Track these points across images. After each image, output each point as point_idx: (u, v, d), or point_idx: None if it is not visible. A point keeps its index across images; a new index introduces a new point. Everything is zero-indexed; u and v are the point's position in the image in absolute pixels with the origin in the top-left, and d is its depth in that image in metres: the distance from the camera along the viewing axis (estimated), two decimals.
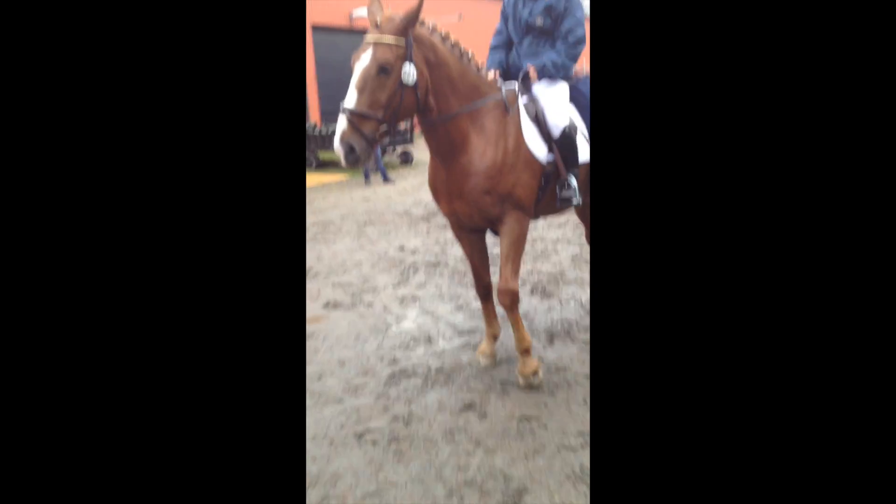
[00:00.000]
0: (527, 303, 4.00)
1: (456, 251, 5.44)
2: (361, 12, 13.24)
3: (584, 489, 2.07)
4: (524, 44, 3.01)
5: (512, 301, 2.77)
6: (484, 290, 3.09)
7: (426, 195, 8.70)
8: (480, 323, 3.65)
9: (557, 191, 2.83)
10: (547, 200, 2.88)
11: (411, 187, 9.69)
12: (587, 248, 3.99)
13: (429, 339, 3.50)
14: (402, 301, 4.19)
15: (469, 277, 4.63)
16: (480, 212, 2.68)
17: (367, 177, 10.45)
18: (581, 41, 2.88)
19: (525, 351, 2.85)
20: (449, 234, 6.13)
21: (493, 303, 3.13)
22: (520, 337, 2.85)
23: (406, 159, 12.80)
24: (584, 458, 2.25)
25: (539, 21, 2.90)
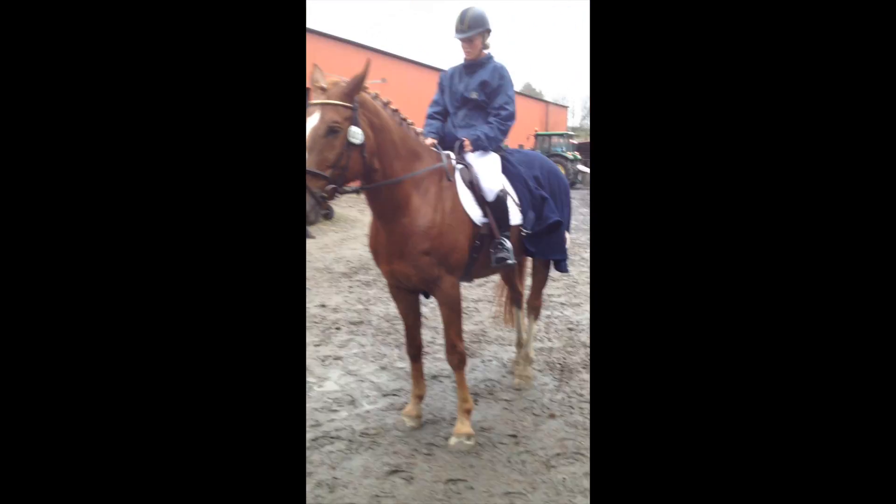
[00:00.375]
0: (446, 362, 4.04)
1: (378, 309, 5.43)
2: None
3: None
4: (459, 115, 3.22)
5: (460, 361, 2.92)
6: (415, 350, 3.14)
7: (347, 251, 8.67)
8: (405, 383, 3.65)
9: (492, 252, 2.97)
10: (481, 262, 3.01)
11: (332, 242, 9.62)
12: (507, 309, 4.13)
13: (352, 401, 3.44)
14: (324, 361, 4.11)
15: (393, 336, 4.63)
16: (418, 271, 2.76)
17: None
18: (511, 117, 3.12)
19: (466, 412, 2.93)
20: (371, 292, 6.13)
21: (421, 363, 3.16)
22: (463, 397, 2.95)
23: (326, 214, 12.72)
24: None
25: (474, 95, 3.13)
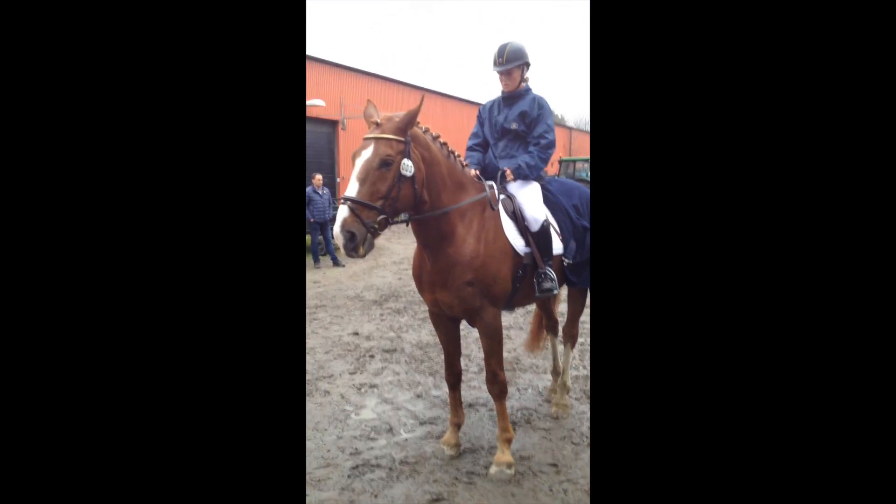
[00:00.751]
0: (485, 391, 4.05)
1: (411, 337, 5.46)
2: (314, 102, 14.07)
3: None
4: (500, 146, 3.30)
5: (500, 391, 2.93)
6: (454, 378, 3.15)
7: (377, 279, 8.76)
8: (441, 412, 3.65)
9: (536, 282, 3.00)
10: (523, 292, 3.04)
11: (362, 271, 9.73)
12: (534, 335, 4.13)
13: (390, 429, 3.46)
14: (360, 389, 4.15)
15: (426, 364, 4.65)
16: (461, 301, 2.79)
17: (316, 259, 10.44)
18: (551, 145, 3.19)
19: (506, 441, 2.93)
20: (403, 319, 6.17)
21: (460, 391, 3.18)
22: (504, 427, 2.95)
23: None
24: None
25: (514, 125, 3.21)
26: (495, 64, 3.22)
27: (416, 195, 2.58)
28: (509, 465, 2.87)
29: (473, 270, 2.76)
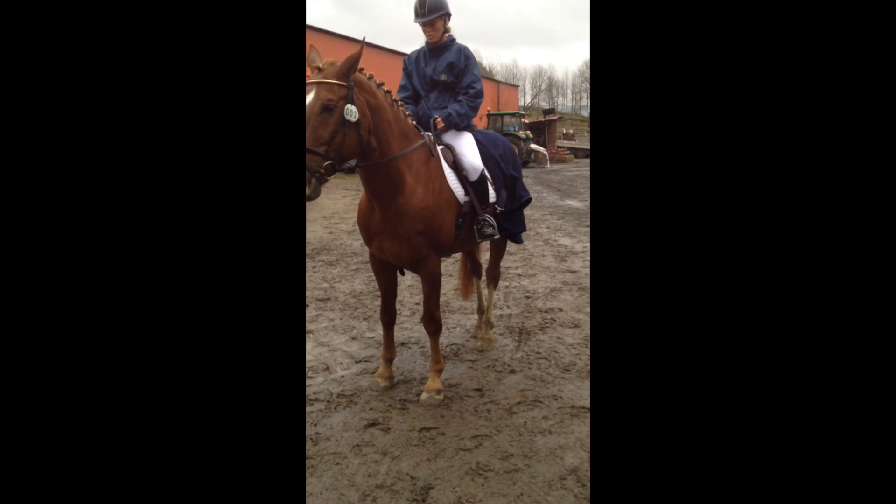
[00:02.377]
0: (418, 330, 4.31)
1: (344, 287, 5.63)
2: None
3: (482, 481, 2.38)
4: (431, 97, 3.42)
5: (436, 329, 3.21)
6: (390, 318, 3.36)
7: (308, 234, 8.77)
8: (375, 351, 3.88)
9: (477, 229, 3.21)
10: (461, 239, 3.25)
11: None
12: (464, 283, 4.40)
13: (326, 368, 3.66)
14: None
15: (360, 311, 4.85)
16: (410, 250, 2.94)
17: None
18: (479, 94, 3.35)
19: (437, 371, 3.22)
20: (336, 271, 6.31)
21: (393, 330, 3.40)
22: (436, 359, 3.24)
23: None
24: (480, 455, 2.57)
25: (443, 77, 3.33)
26: (417, 15, 3.29)
27: (363, 141, 2.62)
28: (439, 392, 3.15)
29: (424, 221, 2.89)
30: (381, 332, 3.45)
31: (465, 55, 3.38)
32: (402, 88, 3.55)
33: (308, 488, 2.36)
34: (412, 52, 3.59)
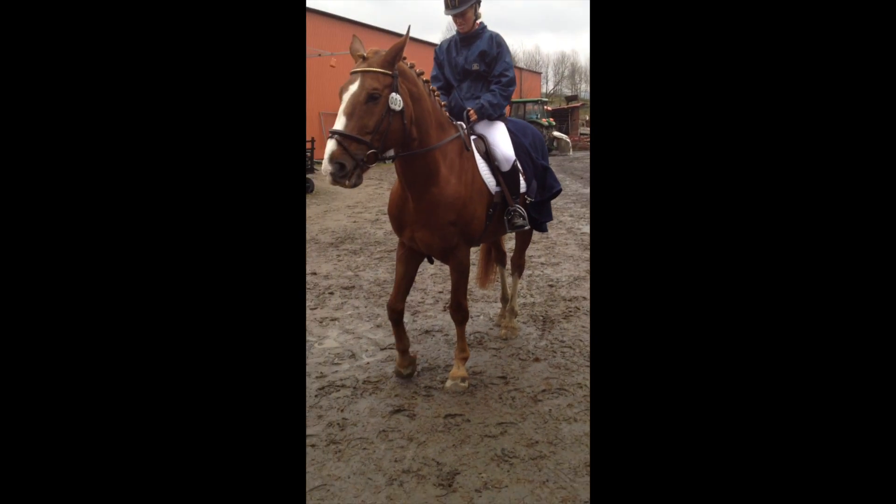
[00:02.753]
0: (441, 318, 4.34)
1: (369, 275, 5.68)
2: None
3: (507, 467, 2.40)
4: (463, 87, 3.40)
5: (463, 318, 3.23)
6: (396, 315, 3.21)
7: (331, 223, 8.85)
8: None
9: (507, 219, 3.20)
10: (490, 229, 3.25)
11: (315, 215, 9.77)
12: (483, 270, 4.40)
13: (352, 355, 3.71)
14: (322, 322, 4.36)
15: (384, 298, 4.88)
16: (442, 240, 2.94)
17: None
18: (512, 83, 3.31)
19: (462, 359, 3.23)
20: (360, 259, 6.36)
21: (402, 326, 3.28)
22: (461, 347, 3.25)
23: (307, 187, 12.82)
24: (505, 443, 2.59)
25: (475, 66, 3.30)
26: (448, 7, 3.26)
27: (405, 131, 2.62)
28: (463, 379, 3.17)
29: (456, 211, 2.90)
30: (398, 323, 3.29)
31: (497, 42, 3.33)
32: (433, 79, 3.51)
33: (336, 472, 2.41)
34: (443, 42, 3.56)
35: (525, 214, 3.24)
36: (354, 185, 2.45)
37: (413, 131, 2.70)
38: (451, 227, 2.93)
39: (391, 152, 2.72)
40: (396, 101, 2.52)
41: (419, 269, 5.59)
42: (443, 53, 3.47)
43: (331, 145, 2.40)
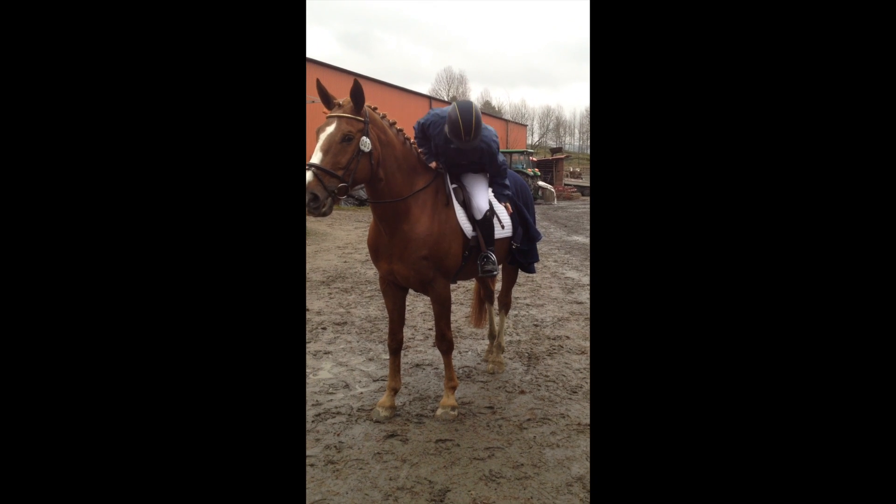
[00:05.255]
0: (431, 353, 4.53)
1: (360, 312, 5.86)
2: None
3: (495, 486, 2.57)
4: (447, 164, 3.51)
5: (448, 347, 3.43)
6: (397, 344, 3.50)
7: (322, 262, 9.05)
8: None
9: (480, 264, 3.44)
10: (467, 269, 3.50)
11: (307, 255, 9.98)
12: (476, 311, 4.63)
13: (346, 385, 3.88)
14: (316, 355, 4.53)
15: (375, 334, 5.07)
16: (417, 273, 3.20)
17: None
18: (504, 164, 3.52)
19: (451, 388, 3.43)
20: (351, 297, 6.55)
21: (399, 357, 3.53)
22: (450, 376, 3.46)
23: (322, 211, 13.01)
24: (493, 464, 2.76)
25: (465, 162, 3.46)
26: (461, 138, 3.14)
27: (372, 170, 2.95)
28: (454, 408, 3.36)
29: (428, 247, 3.16)
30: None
31: (488, 143, 3.36)
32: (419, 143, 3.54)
33: (335, 488, 2.56)
34: (427, 118, 3.49)
35: (496, 261, 3.42)
36: (325, 215, 2.76)
37: (379, 172, 3.01)
38: (423, 261, 3.17)
39: (363, 191, 2.99)
40: (366, 143, 2.86)
41: (409, 307, 5.82)
42: (432, 130, 3.39)
43: (308, 176, 2.69)
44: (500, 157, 3.52)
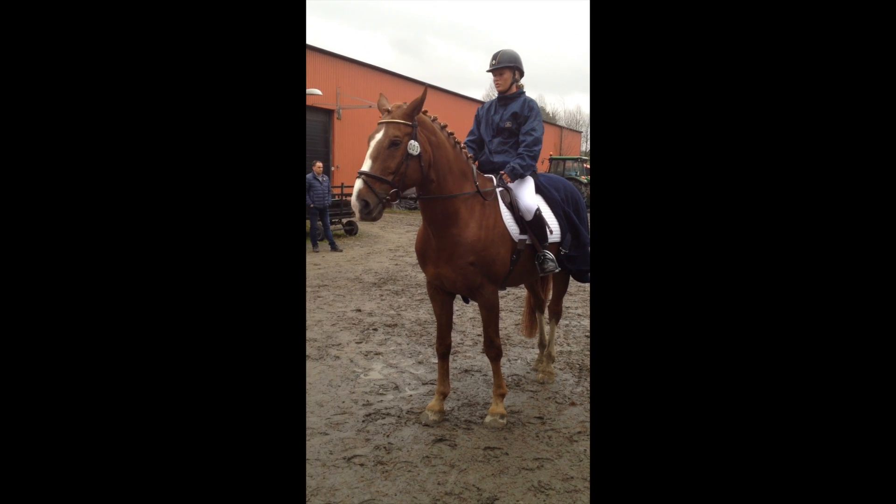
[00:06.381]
0: (480, 359, 4.52)
1: (410, 315, 5.92)
2: (311, 91, 14.67)
3: (544, 497, 2.54)
4: (494, 142, 3.73)
5: (496, 354, 3.42)
6: (445, 348, 3.53)
7: (374, 264, 9.19)
8: None
9: (538, 264, 3.46)
10: (516, 274, 3.49)
11: (359, 256, 10.16)
12: (527, 320, 4.60)
13: (396, 387, 3.92)
14: (367, 355, 4.60)
15: (425, 338, 5.11)
16: (464, 278, 3.21)
17: (314, 244, 10.85)
18: (537, 142, 3.61)
19: (501, 395, 3.41)
20: (402, 300, 6.62)
21: (448, 362, 3.56)
22: (499, 383, 3.44)
23: (351, 230, 13.32)
24: (542, 475, 2.73)
25: (507, 124, 3.65)
26: (490, 65, 3.68)
27: (423, 173, 2.99)
28: (502, 416, 3.34)
29: (475, 252, 3.17)
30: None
31: (529, 106, 3.66)
32: (469, 134, 3.87)
33: (383, 489, 2.59)
34: (486, 103, 3.93)
35: (554, 258, 3.48)
36: (375, 219, 2.85)
37: (431, 174, 3.05)
38: (471, 266, 3.18)
39: (414, 194, 3.09)
40: (414, 146, 2.90)
41: (458, 312, 5.83)
42: (483, 112, 3.83)
43: (358, 184, 2.78)
44: (534, 124, 3.62)
